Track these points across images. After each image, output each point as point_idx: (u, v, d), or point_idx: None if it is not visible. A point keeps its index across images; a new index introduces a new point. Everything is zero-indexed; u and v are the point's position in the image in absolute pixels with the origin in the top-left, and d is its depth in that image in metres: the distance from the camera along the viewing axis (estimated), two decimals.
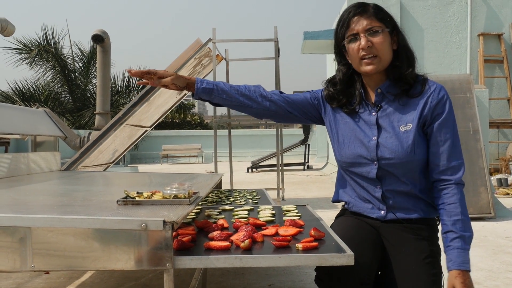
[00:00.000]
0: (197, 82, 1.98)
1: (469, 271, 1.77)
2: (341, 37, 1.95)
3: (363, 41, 1.87)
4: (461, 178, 1.89)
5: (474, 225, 4.78)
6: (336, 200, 2.15)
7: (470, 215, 5.24)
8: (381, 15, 1.90)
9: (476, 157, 5.53)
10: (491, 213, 5.25)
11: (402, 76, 1.92)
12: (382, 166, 1.92)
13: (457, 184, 1.87)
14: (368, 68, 1.90)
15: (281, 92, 2.11)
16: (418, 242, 1.91)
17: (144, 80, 1.97)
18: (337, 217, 2.15)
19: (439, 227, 2.03)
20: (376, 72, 1.92)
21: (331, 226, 2.04)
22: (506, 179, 7.88)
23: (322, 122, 2.13)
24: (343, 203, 2.12)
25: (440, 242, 1.99)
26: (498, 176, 8.15)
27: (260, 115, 2.08)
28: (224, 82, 2.05)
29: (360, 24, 1.89)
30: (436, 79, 1.95)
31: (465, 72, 10.29)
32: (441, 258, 1.94)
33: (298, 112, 2.09)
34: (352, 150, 1.97)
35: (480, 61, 10.38)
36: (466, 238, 1.81)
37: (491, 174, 8.57)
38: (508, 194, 7.26)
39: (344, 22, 1.93)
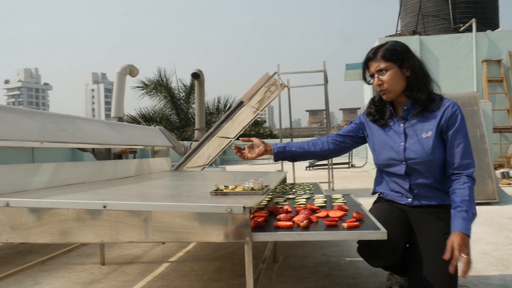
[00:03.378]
0: (273, 148, 2.07)
1: (469, 235, 1.67)
2: (367, 74, 1.96)
3: (375, 81, 1.89)
4: (471, 173, 1.81)
5: (482, 208, 4.57)
6: (374, 192, 2.13)
7: (479, 201, 5.01)
8: (388, 56, 1.85)
9: (483, 156, 5.28)
10: (496, 199, 4.97)
11: (414, 99, 1.88)
12: (409, 165, 1.89)
13: (468, 176, 1.80)
14: (384, 97, 1.92)
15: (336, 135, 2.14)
16: (437, 222, 1.85)
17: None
18: (374, 203, 2.11)
19: None
20: (391, 99, 1.92)
21: (370, 210, 2.00)
22: (508, 172, 7.46)
23: (365, 140, 2.12)
24: (379, 193, 2.09)
25: None
26: (502, 170, 7.73)
27: (321, 158, 2.18)
28: (290, 144, 2.10)
29: (372, 66, 1.89)
30: (449, 97, 1.90)
31: (473, 90, 9.87)
32: None
33: (346, 142, 2.10)
34: (385, 155, 1.95)
35: (484, 81, 9.97)
36: (470, 213, 1.72)
37: (495, 168, 8.11)
38: (510, 184, 6.84)
39: (365, 64, 1.94)
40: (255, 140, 2.07)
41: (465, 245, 1.65)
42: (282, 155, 2.08)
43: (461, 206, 1.74)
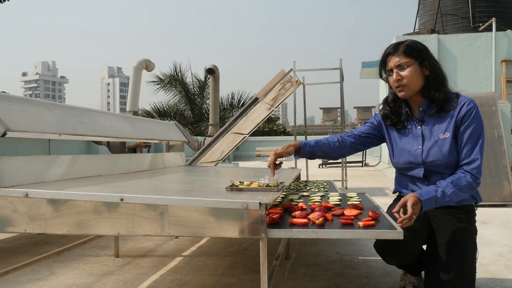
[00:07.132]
0: (302, 148, 2.06)
1: (421, 203, 1.67)
2: (383, 70, 1.94)
3: (394, 76, 1.86)
4: (474, 169, 1.76)
5: (498, 210, 4.51)
6: (395, 191, 2.12)
7: (495, 203, 4.94)
8: (409, 52, 1.84)
9: (500, 157, 5.20)
10: None
11: (432, 99, 1.86)
12: (427, 167, 1.88)
13: (467, 172, 1.77)
14: (400, 94, 1.88)
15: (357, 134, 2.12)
16: (458, 223, 1.83)
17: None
18: (394, 201, 2.10)
19: (476, 212, 1.94)
20: (407, 97, 1.89)
21: (388, 208, 1.99)
22: None
23: (383, 139, 2.10)
24: (399, 192, 2.08)
25: (477, 224, 1.91)
26: None
27: (339, 157, 2.16)
28: (316, 143, 2.09)
29: (392, 61, 1.86)
30: (467, 96, 1.88)
31: (491, 90, 9.71)
32: (477, 237, 1.85)
33: (363, 145, 2.11)
34: (403, 159, 1.95)
35: (503, 81, 9.77)
36: (440, 191, 1.71)
37: None
38: None
39: (383, 60, 1.92)
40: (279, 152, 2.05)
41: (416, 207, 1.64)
42: (305, 155, 2.09)
43: (438, 185, 1.75)
